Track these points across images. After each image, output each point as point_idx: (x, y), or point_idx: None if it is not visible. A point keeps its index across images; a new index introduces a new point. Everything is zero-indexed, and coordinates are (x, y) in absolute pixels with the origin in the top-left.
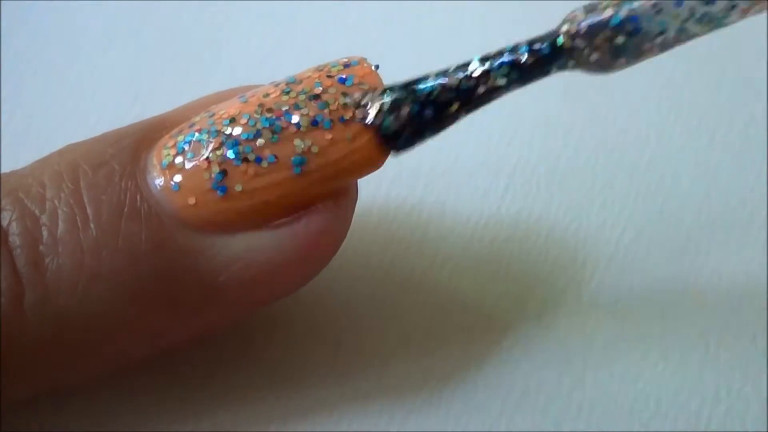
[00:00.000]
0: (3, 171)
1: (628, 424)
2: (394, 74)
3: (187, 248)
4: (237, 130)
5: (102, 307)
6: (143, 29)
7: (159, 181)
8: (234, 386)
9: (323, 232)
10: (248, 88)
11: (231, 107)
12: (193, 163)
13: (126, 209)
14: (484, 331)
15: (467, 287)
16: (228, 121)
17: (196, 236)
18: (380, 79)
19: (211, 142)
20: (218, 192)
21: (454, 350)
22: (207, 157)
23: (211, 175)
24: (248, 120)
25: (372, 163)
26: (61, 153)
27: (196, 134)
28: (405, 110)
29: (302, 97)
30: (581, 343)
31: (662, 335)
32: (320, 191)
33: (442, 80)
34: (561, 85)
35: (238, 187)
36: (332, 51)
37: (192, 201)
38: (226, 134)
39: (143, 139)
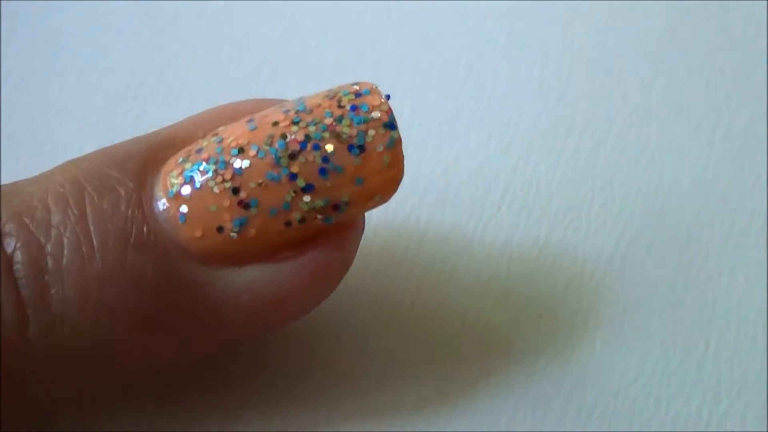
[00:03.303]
0: (3, 170)
1: (628, 424)
2: (394, 74)
3: (192, 280)
4: (245, 164)
5: (106, 336)
6: (143, 29)
7: (165, 211)
8: (234, 395)
9: (328, 266)
10: (255, 104)
11: (240, 135)
12: (201, 195)
13: (132, 239)
14: (483, 330)
15: (467, 287)
16: (236, 151)
17: (202, 268)
18: (390, 110)
19: (219, 174)
20: (232, 235)
21: (454, 350)
22: (216, 191)
23: (223, 210)
24: (257, 152)
25: (377, 203)
26: (64, 171)
27: (204, 164)
28: None
29: (312, 128)
30: (581, 343)
31: (662, 335)
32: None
33: None
34: (561, 84)
35: (251, 231)
36: (332, 51)
37: (198, 234)
38: (235, 167)
39: (149, 160)
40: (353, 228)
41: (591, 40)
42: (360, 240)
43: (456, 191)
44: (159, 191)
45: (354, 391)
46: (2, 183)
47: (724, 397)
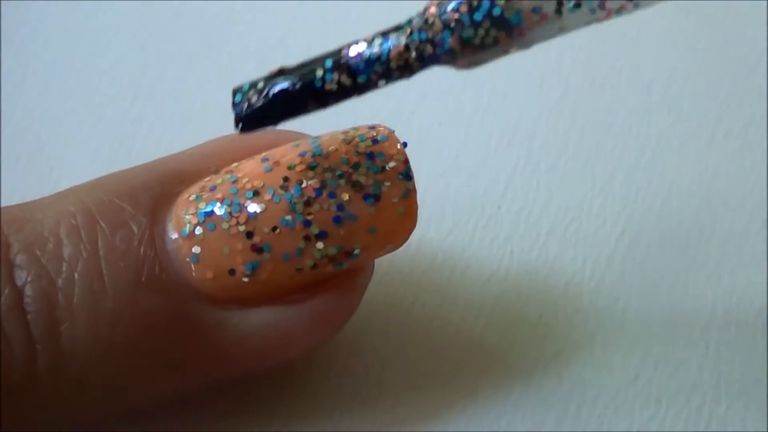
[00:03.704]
0: (3, 171)
1: (628, 424)
2: None
3: (203, 321)
4: (260, 208)
5: (114, 372)
6: (143, 29)
7: (178, 251)
8: (233, 395)
9: (335, 311)
10: (269, 139)
11: (255, 176)
12: (214, 237)
13: (144, 278)
14: (483, 331)
15: (467, 287)
16: (251, 194)
17: (211, 308)
18: (407, 160)
19: (234, 217)
20: (244, 279)
21: (454, 350)
22: (229, 233)
23: (236, 254)
24: (272, 196)
25: (388, 251)
26: (75, 200)
27: (218, 205)
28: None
29: (328, 175)
30: (581, 343)
31: (662, 335)
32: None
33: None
34: (561, 84)
35: (263, 275)
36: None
37: (210, 275)
38: (249, 211)
39: (162, 194)
40: (362, 273)
41: (591, 40)
42: (368, 285)
43: (456, 191)
44: (172, 229)
45: (353, 390)
46: (2, 183)
47: (724, 397)
